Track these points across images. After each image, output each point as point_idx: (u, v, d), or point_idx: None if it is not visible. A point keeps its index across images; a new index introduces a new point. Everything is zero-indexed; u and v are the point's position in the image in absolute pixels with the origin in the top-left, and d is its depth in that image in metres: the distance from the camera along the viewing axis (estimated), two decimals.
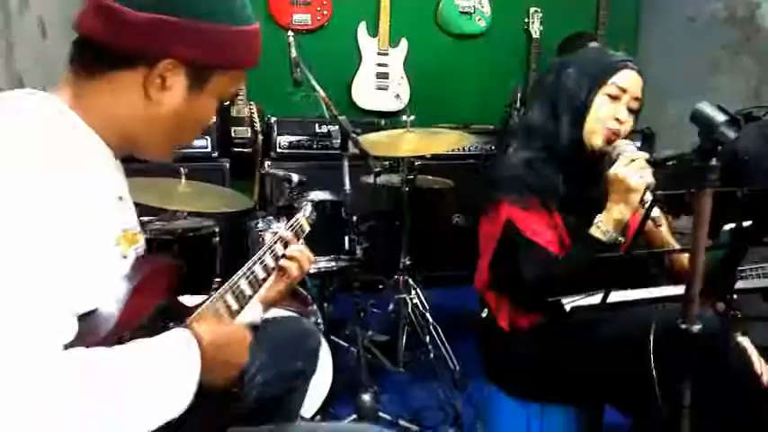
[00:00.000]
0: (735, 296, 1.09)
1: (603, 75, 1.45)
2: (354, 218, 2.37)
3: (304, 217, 1.45)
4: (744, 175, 1.79)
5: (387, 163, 2.60)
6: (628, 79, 1.45)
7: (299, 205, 1.51)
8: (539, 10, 3.99)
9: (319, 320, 1.92)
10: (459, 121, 3.79)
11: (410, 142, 2.16)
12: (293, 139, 3.41)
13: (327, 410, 2.02)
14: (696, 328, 0.95)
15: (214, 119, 1.02)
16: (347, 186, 2.01)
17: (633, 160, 1.36)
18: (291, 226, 1.38)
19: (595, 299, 1.05)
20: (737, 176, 1.77)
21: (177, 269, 0.96)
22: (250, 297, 1.19)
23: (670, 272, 1.66)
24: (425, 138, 2.22)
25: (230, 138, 3.48)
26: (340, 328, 2.40)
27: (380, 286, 2.69)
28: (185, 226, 2.23)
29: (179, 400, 0.81)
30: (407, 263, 2.39)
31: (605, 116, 1.44)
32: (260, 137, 3.48)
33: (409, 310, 2.31)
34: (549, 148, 1.47)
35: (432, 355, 2.28)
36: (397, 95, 3.83)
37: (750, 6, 3.37)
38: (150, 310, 0.89)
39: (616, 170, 1.36)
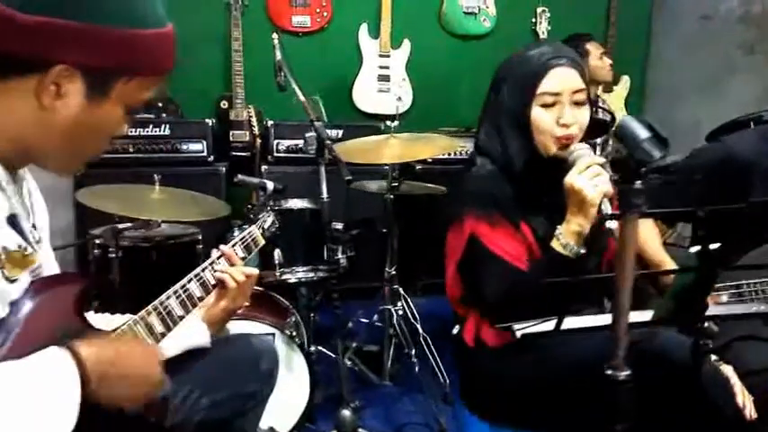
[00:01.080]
0: (707, 324, 0.99)
1: (532, 85, 1.35)
2: (339, 226, 2.30)
3: (259, 229, 1.39)
4: (749, 183, 1.66)
5: (387, 167, 2.52)
6: (558, 80, 1.34)
7: (260, 216, 1.45)
8: (546, 9, 3.89)
9: (294, 333, 1.85)
10: (463, 124, 3.71)
11: (393, 149, 2.08)
12: (291, 142, 3.35)
13: (305, 425, 1.95)
14: (624, 374, 0.85)
15: (125, 129, 0.95)
16: (324, 194, 1.94)
17: (589, 167, 1.27)
18: (242, 239, 1.33)
19: (549, 325, 0.96)
20: (742, 185, 1.65)
21: (84, 289, 0.90)
22: (181, 317, 1.13)
23: (666, 289, 1.56)
24: (409, 144, 2.13)
25: (229, 141, 3.46)
26: (326, 338, 2.33)
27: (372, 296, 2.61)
28: (167, 233, 2.19)
29: (58, 418, 0.75)
30: (392, 272, 2.31)
31: (548, 126, 1.35)
32: (258, 140, 3.44)
33: (394, 321, 2.23)
34: (506, 165, 1.40)
35: (417, 369, 2.20)
36: (399, 98, 3.73)
37: (766, 4, 3.21)
38: (51, 334, 0.83)
39: (570, 179, 1.27)
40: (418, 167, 3.24)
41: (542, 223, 1.39)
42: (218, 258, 1.29)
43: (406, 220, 2.76)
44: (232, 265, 1.28)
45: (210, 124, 3.18)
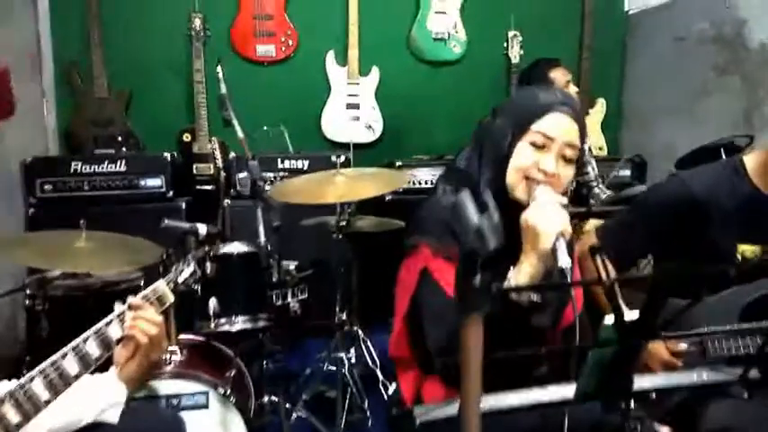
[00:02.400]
0: (633, 403, 0.87)
1: (528, 120, 1.27)
2: (292, 266, 2.19)
3: (170, 283, 1.29)
4: (707, 220, 1.55)
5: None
6: (555, 125, 1.26)
7: (172, 268, 1.34)
8: (518, 33, 3.81)
9: (229, 392, 1.71)
10: (437, 151, 3.62)
11: (338, 187, 1.96)
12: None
13: None
14: None
15: None
16: (262, 237, 1.83)
17: (549, 204, 1.18)
18: (146, 297, 1.22)
19: (453, 407, 0.84)
20: (699, 222, 1.54)
21: None
22: (76, 376, 1.03)
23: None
24: (355, 181, 2.02)
25: (192, 175, 3.36)
26: (281, 385, 2.19)
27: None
28: (105, 279, 2.07)
29: None
30: (343, 318, 2.19)
31: (527, 165, 1.26)
32: (222, 173, 3.34)
33: (345, 370, 2.10)
34: (477, 195, 1.29)
35: (370, 422, 2.06)
36: (369, 126, 3.67)
37: (737, 24, 3.14)
38: None
39: (526, 214, 1.18)
40: (388, 197, 3.14)
41: (502, 267, 1.27)
42: (129, 310, 1.19)
43: (368, 254, 2.65)
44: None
45: (169, 158, 3.08)
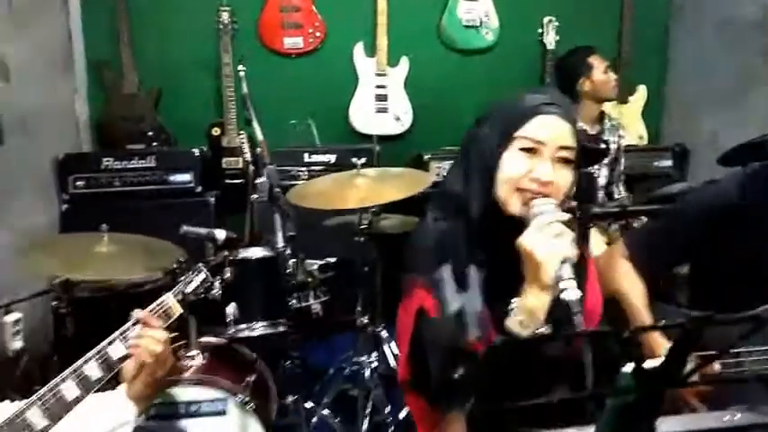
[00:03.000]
0: None
1: (514, 126, 1.15)
2: (315, 266, 2.17)
3: (177, 295, 1.27)
4: (742, 229, 1.45)
5: None
6: (544, 128, 1.15)
7: (181, 279, 1.32)
8: (554, 19, 3.66)
9: (247, 398, 1.71)
10: None
11: (359, 190, 1.92)
12: (282, 169, 3.23)
13: None
14: None
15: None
16: (280, 242, 1.80)
17: (550, 225, 1.07)
18: (153, 311, 1.21)
19: None
20: (735, 231, 1.44)
21: None
22: (76, 400, 1.02)
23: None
24: (377, 183, 1.97)
25: (222, 169, 3.37)
26: (305, 385, 2.18)
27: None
28: (132, 280, 2.09)
29: None
30: (364, 320, 2.16)
31: (517, 175, 1.14)
32: (251, 167, 3.34)
33: (368, 372, 2.07)
34: (465, 217, 1.19)
35: (393, 425, 2.04)
36: (398, 118, 3.60)
37: None
38: None
39: (522, 239, 1.07)
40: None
41: (500, 297, 1.14)
42: (134, 325, 1.18)
43: (393, 253, 2.60)
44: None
45: (198, 153, 3.10)
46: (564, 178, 1.17)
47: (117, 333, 1.13)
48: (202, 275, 1.35)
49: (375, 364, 2.12)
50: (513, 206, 1.15)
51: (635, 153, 3.49)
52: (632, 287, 1.49)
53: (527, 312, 1.08)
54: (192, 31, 3.40)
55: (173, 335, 1.92)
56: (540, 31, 3.68)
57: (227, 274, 1.76)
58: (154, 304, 1.24)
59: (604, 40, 3.62)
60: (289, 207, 1.77)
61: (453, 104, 3.69)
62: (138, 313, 1.17)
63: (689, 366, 0.88)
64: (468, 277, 0.76)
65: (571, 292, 0.99)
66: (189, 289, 1.32)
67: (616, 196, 2.97)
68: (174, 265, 1.40)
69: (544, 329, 1.10)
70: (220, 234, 1.71)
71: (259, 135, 1.89)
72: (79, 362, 1.04)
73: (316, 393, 2.32)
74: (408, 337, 1.20)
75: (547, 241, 1.05)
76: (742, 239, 1.43)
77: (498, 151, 1.16)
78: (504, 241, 1.13)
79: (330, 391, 2.28)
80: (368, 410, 2.09)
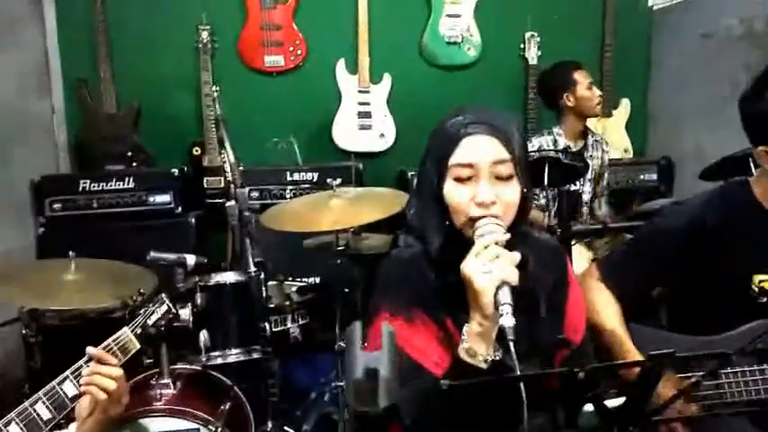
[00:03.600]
0: None
1: (444, 156, 1.14)
2: (294, 288, 2.13)
3: (136, 329, 1.22)
4: (717, 248, 1.42)
5: None
6: (471, 150, 1.12)
7: (140, 312, 1.27)
8: (535, 34, 3.66)
9: (218, 428, 1.65)
10: None
11: (333, 212, 1.87)
12: (264, 188, 3.20)
13: None
14: None
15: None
16: (251, 267, 1.75)
17: (487, 248, 1.05)
18: (107, 347, 1.15)
19: None
20: (712, 251, 1.41)
21: None
22: None
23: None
24: (352, 204, 1.93)
25: (203, 188, 3.33)
26: (279, 414, 2.13)
27: None
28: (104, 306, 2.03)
29: None
30: (342, 345, 2.10)
31: (462, 205, 1.13)
32: (233, 187, 3.29)
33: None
34: (431, 247, 1.18)
35: None
36: (382, 135, 3.58)
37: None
38: None
39: (462, 266, 1.05)
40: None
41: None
42: (87, 363, 1.13)
43: (374, 273, 2.57)
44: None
45: (177, 173, 3.05)
46: (508, 194, 1.14)
47: (69, 371, 1.08)
48: (164, 307, 1.30)
49: None
50: (468, 231, 1.14)
51: (620, 167, 3.48)
52: (607, 307, 1.46)
53: (473, 340, 1.06)
54: (172, 49, 3.38)
55: (148, 361, 1.87)
56: (522, 46, 3.68)
57: (199, 301, 1.72)
58: (109, 340, 1.19)
59: (587, 54, 3.63)
60: (256, 233, 1.72)
61: (437, 120, 3.64)
62: (91, 350, 1.11)
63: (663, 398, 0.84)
64: (385, 334, 0.72)
65: (507, 319, 0.96)
66: (150, 321, 1.27)
67: (596, 212, 2.95)
68: (135, 297, 1.35)
69: (495, 356, 1.07)
70: (191, 259, 1.67)
71: (231, 158, 1.85)
72: (27, 402, 0.99)
73: (297, 418, 2.26)
74: None
75: (484, 266, 1.03)
76: (714, 260, 1.40)
77: (439, 185, 1.15)
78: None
79: (311, 416, 2.23)
80: None
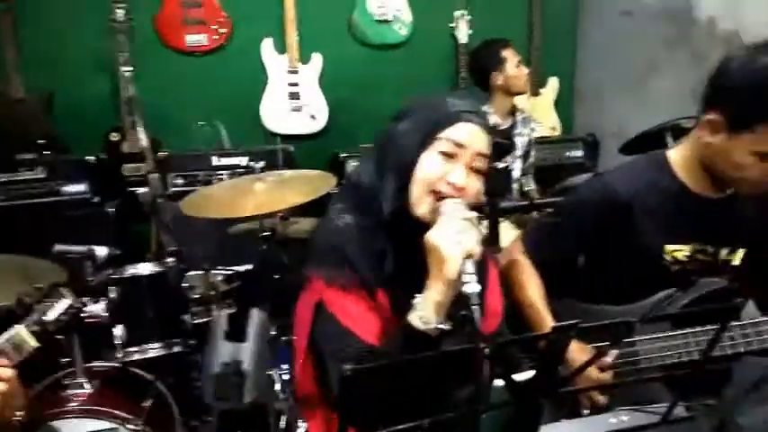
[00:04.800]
0: None
1: (436, 128, 1.16)
2: (220, 277, 2.05)
3: (32, 326, 1.13)
4: (631, 222, 1.44)
5: None
6: (466, 133, 1.16)
7: (37, 307, 1.17)
8: (465, 13, 3.65)
9: (139, 427, 1.57)
10: None
11: (257, 197, 1.80)
12: (191, 174, 3.07)
13: None
14: None
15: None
16: (168, 257, 1.66)
17: (458, 221, 1.09)
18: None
19: None
20: (624, 224, 1.43)
21: None
22: None
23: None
24: (277, 188, 1.86)
25: (123, 177, 3.15)
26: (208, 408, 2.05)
27: None
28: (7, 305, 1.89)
29: None
30: (273, 332, 2.04)
31: (434, 177, 1.15)
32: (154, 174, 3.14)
33: (278, 387, 1.96)
34: (377, 213, 1.18)
35: None
36: (313, 116, 3.50)
37: None
38: None
39: (429, 235, 1.08)
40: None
41: (403, 295, 1.14)
42: None
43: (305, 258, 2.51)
44: None
45: (94, 161, 2.88)
46: (475, 186, 1.18)
47: None
48: (66, 301, 1.21)
49: (287, 376, 2.02)
50: (423, 207, 1.16)
51: (547, 145, 3.53)
52: (529, 281, 1.48)
53: (429, 307, 1.07)
54: (86, 29, 3.17)
55: (64, 360, 1.76)
56: (452, 25, 3.67)
57: (113, 294, 1.62)
58: (4, 336, 1.09)
59: (516, 33, 3.65)
60: (185, 218, 1.63)
61: (369, 101, 3.62)
62: None
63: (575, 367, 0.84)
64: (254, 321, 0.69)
65: (472, 286, 0.99)
66: (49, 317, 1.17)
67: (525, 189, 2.99)
68: (30, 293, 1.25)
69: (444, 326, 1.08)
70: (101, 251, 1.56)
71: (144, 141, 1.74)
72: None
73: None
74: (307, 331, 1.18)
75: (453, 237, 1.06)
76: (628, 231, 1.43)
77: (418, 151, 1.16)
78: (409, 241, 1.14)
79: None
80: (281, 425, 1.98)
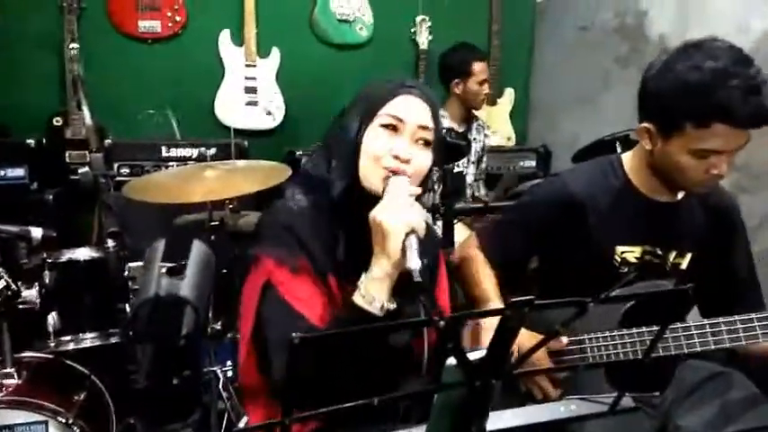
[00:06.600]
0: None
1: (376, 105, 1.17)
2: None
3: None
4: (585, 222, 1.46)
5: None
6: (405, 106, 1.18)
7: None
8: (426, 18, 3.67)
9: (70, 420, 1.48)
10: None
11: (206, 183, 1.74)
12: (135, 163, 2.95)
13: None
14: None
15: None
16: (109, 242, 1.59)
17: (402, 197, 1.11)
18: None
19: None
20: (578, 223, 1.45)
21: None
22: None
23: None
24: (228, 176, 1.81)
25: (66, 163, 3.01)
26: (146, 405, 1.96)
27: None
28: None
29: None
30: (217, 327, 1.98)
31: (378, 152, 1.16)
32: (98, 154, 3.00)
33: (220, 385, 1.89)
34: (329, 195, 1.18)
35: None
36: (269, 112, 3.44)
37: (639, 15, 3.14)
38: None
39: (374, 211, 1.08)
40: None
41: (353, 282, 1.13)
42: None
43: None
44: None
45: (33, 145, 2.74)
46: (422, 159, 1.18)
47: None
48: (2, 281, 1.13)
49: (230, 373, 1.95)
50: (375, 181, 1.15)
51: (501, 154, 3.58)
52: (483, 276, 1.48)
53: (373, 285, 1.07)
54: (31, 8, 3.02)
55: None
56: (413, 30, 3.68)
57: (47, 279, 1.53)
58: None
59: (476, 42, 3.66)
60: (113, 202, 1.55)
61: (327, 100, 3.56)
62: None
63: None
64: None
65: (414, 261, 0.99)
66: None
67: (476, 194, 3.03)
68: None
69: (390, 305, 1.08)
70: (36, 232, 1.47)
71: (87, 120, 1.66)
72: None
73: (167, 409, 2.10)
74: (253, 313, 1.15)
75: (396, 212, 1.06)
76: (581, 231, 1.45)
77: (361, 128, 1.17)
78: (362, 218, 1.13)
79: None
80: (221, 428, 1.91)
